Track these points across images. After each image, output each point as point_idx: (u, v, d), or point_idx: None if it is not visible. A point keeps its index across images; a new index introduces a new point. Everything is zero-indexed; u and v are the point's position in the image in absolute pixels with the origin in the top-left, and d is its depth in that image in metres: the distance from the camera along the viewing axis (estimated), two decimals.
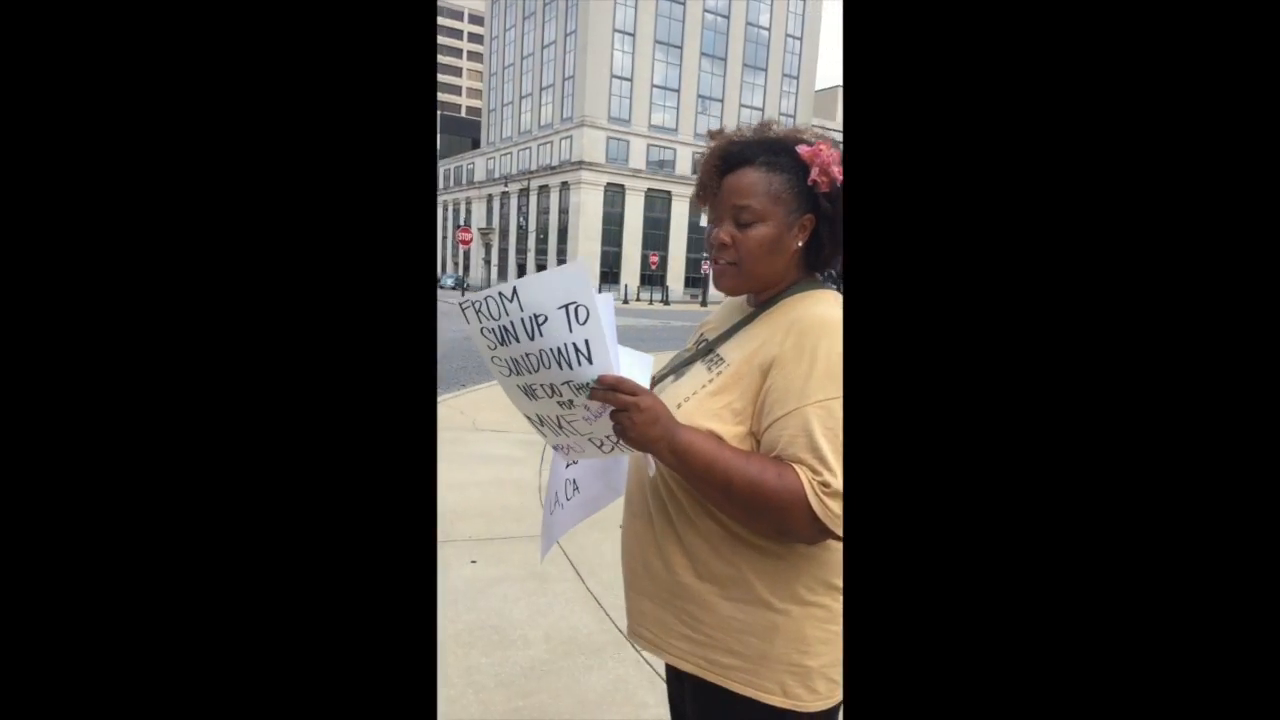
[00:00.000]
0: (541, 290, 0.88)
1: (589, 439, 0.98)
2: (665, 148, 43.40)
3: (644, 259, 42.50)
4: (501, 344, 0.92)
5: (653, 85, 42.55)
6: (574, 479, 1.21)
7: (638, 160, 42.53)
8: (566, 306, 0.87)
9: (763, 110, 46.13)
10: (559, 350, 0.88)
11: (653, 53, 42.01)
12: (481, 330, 0.92)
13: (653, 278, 42.73)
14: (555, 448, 1.06)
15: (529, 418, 1.00)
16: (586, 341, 0.88)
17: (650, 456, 0.94)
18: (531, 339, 0.88)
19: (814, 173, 1.01)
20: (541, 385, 0.93)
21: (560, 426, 0.98)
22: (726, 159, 1.04)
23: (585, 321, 0.87)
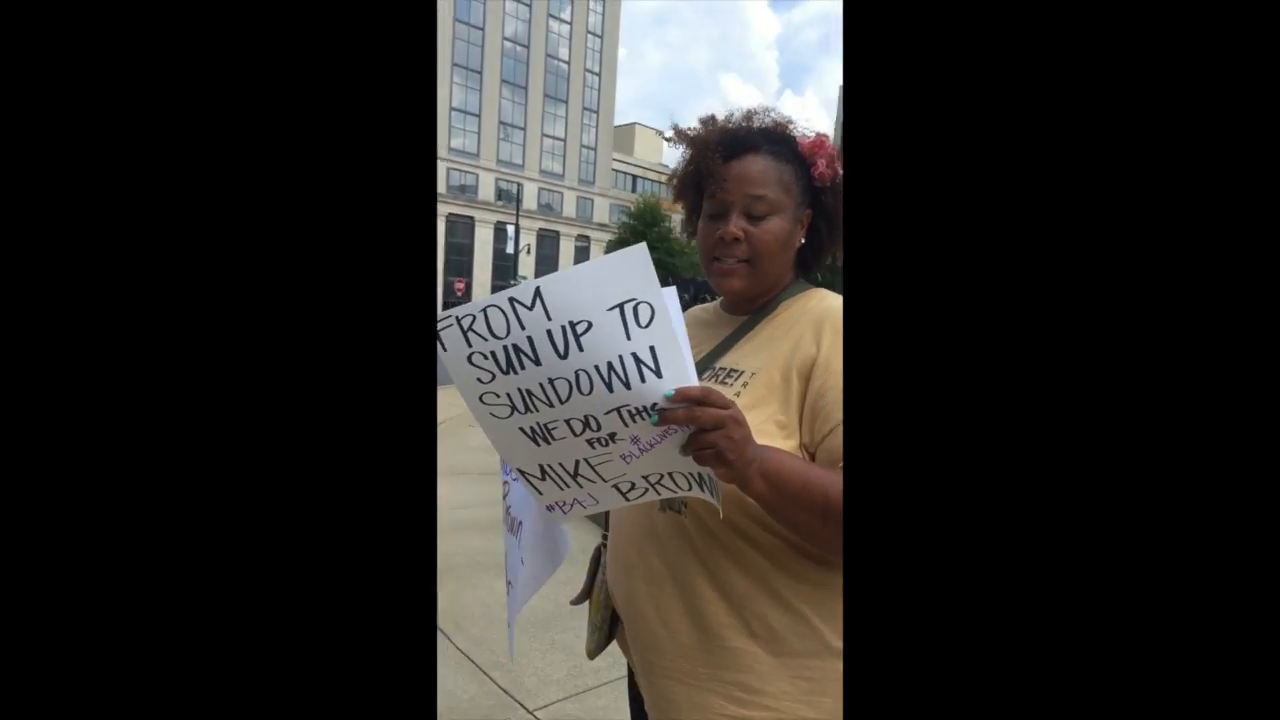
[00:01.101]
0: (582, 288, 0.67)
1: (614, 485, 0.77)
2: (467, 172, 42.58)
3: (448, 286, 41.17)
4: (505, 372, 0.70)
5: (452, 108, 41.69)
6: (522, 557, 1.06)
7: (439, 184, 41.27)
8: (622, 306, 0.67)
9: (564, 140, 47.07)
10: (610, 366, 0.68)
11: (451, 75, 41.20)
12: (470, 358, 0.70)
13: (458, 304, 41.38)
14: (549, 507, 0.81)
15: (524, 473, 0.77)
16: (652, 349, 0.67)
17: (720, 490, 0.75)
18: (563, 357, 0.68)
19: (820, 165, 0.91)
20: (570, 420, 0.71)
21: (575, 474, 0.76)
22: (729, 144, 0.91)
23: (649, 324, 0.67)
